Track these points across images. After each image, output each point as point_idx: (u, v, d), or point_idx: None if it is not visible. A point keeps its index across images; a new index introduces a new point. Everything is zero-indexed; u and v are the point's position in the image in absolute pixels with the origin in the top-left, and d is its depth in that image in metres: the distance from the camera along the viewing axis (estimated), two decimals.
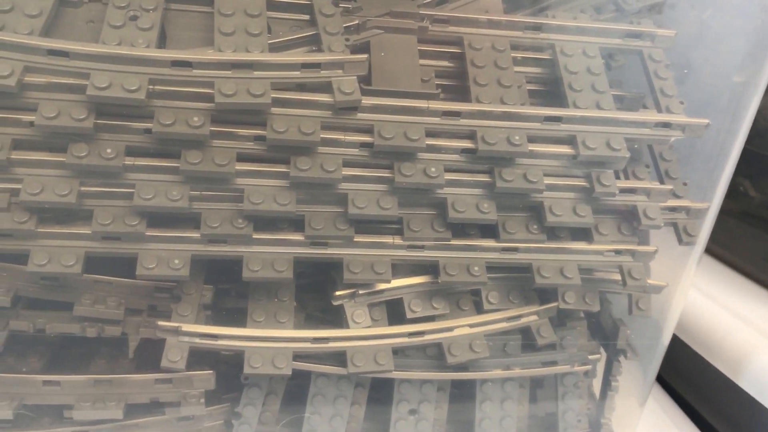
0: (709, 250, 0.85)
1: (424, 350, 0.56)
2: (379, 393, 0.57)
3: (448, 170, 0.51)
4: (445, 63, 0.56)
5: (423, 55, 0.55)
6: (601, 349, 0.61)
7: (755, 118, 0.83)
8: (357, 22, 0.53)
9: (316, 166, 0.49)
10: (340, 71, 0.49)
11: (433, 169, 0.51)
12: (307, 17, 0.53)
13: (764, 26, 0.54)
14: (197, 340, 0.50)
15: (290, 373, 0.51)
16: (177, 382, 0.52)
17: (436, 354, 0.55)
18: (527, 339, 0.57)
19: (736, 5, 0.58)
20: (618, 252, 0.55)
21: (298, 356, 0.52)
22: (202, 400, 0.53)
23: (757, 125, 0.83)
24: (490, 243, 0.54)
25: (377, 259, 0.52)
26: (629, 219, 0.55)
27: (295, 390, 0.55)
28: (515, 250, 0.54)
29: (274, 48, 0.50)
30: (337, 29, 0.51)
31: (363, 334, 0.53)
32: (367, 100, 0.50)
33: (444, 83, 0.56)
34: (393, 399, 0.56)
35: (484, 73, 0.54)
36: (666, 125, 0.53)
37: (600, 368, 0.62)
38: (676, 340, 0.72)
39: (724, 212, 0.82)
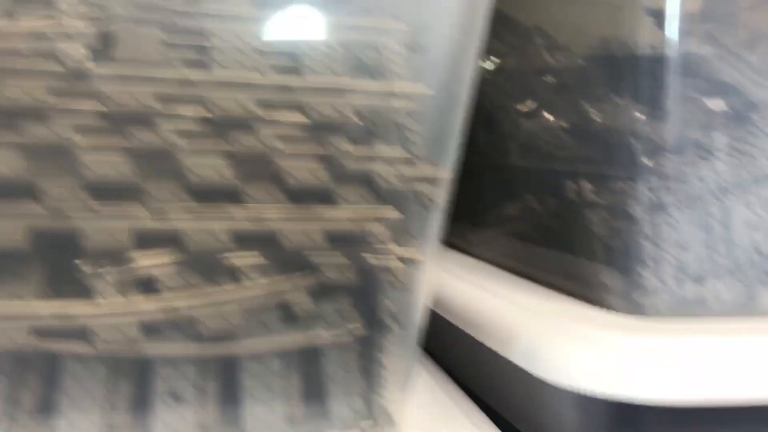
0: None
1: (180, 327, 0.56)
2: (141, 378, 0.56)
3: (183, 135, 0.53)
4: None
5: None
6: (365, 323, 0.63)
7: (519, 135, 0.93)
8: None
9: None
10: None
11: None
12: None
13: None
14: None
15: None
16: None
17: (193, 330, 0.55)
18: (287, 312, 0.58)
19: None
20: (365, 219, 0.58)
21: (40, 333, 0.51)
22: None
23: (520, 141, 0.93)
24: (236, 210, 0.55)
25: (122, 230, 0.53)
26: (373, 186, 0.59)
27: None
28: (262, 219, 0.56)
29: None
30: None
31: (112, 312, 0.53)
32: None
33: None
34: (153, 382, 0.56)
35: None
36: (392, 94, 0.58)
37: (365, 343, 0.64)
38: (442, 320, 0.77)
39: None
